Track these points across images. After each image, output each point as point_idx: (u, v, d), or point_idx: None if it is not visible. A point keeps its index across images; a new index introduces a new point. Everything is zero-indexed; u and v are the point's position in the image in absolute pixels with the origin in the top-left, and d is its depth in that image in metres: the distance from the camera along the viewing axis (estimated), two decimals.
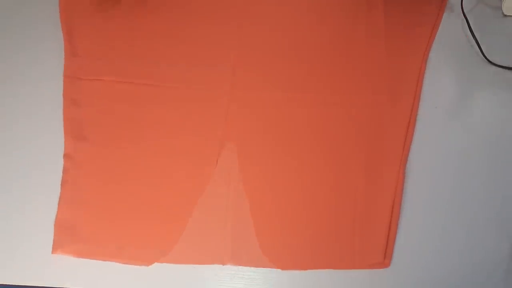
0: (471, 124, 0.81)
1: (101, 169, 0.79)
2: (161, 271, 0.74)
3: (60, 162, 0.79)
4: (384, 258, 0.72)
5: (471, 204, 0.76)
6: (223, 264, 0.74)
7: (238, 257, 0.74)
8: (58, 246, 0.75)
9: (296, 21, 0.88)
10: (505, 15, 0.87)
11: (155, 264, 0.74)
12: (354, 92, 0.82)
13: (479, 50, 0.84)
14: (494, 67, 0.84)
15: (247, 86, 0.83)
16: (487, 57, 0.84)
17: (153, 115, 0.82)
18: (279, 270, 0.74)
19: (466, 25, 0.85)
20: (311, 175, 0.78)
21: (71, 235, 0.75)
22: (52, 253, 0.75)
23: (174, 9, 0.87)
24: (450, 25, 0.87)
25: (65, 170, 0.79)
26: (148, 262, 0.74)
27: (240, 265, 0.74)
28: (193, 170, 0.79)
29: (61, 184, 0.78)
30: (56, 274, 0.74)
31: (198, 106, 0.82)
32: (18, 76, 0.86)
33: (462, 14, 0.86)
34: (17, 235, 0.76)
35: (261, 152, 0.80)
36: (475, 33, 0.85)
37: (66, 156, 0.80)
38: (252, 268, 0.74)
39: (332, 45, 0.86)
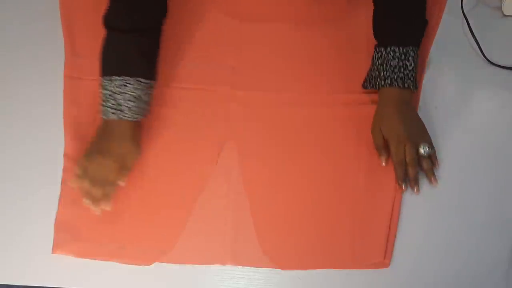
0: (471, 124, 0.81)
1: None
2: (161, 271, 0.74)
3: (60, 161, 0.79)
4: (384, 258, 0.72)
5: (471, 204, 0.76)
6: (224, 264, 0.74)
7: (239, 257, 0.74)
8: (58, 246, 0.74)
9: (296, 22, 0.88)
10: (505, 15, 0.87)
11: (155, 264, 0.74)
12: (354, 92, 0.82)
13: (479, 50, 0.84)
14: (494, 67, 0.84)
15: (247, 86, 0.84)
16: (487, 57, 0.84)
17: (153, 115, 0.82)
18: (279, 270, 0.73)
19: (466, 25, 0.86)
20: (311, 175, 0.78)
21: (71, 235, 0.75)
22: (52, 253, 0.74)
23: (175, 10, 0.87)
24: (450, 25, 0.87)
25: (65, 170, 0.79)
26: (148, 262, 0.74)
27: (240, 265, 0.74)
28: (193, 170, 0.79)
29: (61, 184, 0.78)
30: (56, 274, 0.74)
31: (198, 106, 0.82)
32: (19, 76, 0.86)
33: (462, 14, 0.86)
34: (17, 235, 0.76)
35: (261, 151, 0.80)
36: (475, 33, 0.85)
37: (66, 155, 0.80)
38: (253, 268, 0.74)
39: (332, 46, 0.86)
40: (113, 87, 0.73)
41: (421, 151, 0.74)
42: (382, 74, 0.76)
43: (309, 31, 0.87)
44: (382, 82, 0.76)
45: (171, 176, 0.78)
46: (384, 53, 0.77)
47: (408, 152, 0.75)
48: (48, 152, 0.80)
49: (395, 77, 0.75)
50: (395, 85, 0.75)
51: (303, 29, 0.87)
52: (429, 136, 0.77)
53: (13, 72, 0.86)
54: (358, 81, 0.82)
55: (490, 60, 0.84)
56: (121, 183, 0.74)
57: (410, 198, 0.76)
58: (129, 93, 0.72)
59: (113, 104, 0.72)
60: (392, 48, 0.76)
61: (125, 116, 0.73)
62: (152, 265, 0.74)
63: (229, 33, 0.87)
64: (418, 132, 0.76)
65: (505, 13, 0.87)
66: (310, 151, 0.79)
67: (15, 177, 0.79)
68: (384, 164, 0.75)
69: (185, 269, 0.74)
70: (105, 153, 0.73)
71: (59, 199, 0.77)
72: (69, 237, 0.75)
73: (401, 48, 0.76)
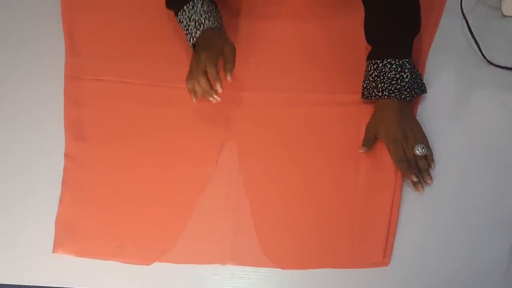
0: (470, 124, 0.81)
1: (101, 169, 0.79)
2: (161, 270, 0.74)
3: (61, 161, 0.80)
4: (383, 257, 0.72)
5: (471, 204, 0.76)
6: (224, 263, 0.74)
7: (239, 256, 0.74)
8: (59, 245, 0.75)
9: (296, 23, 0.88)
10: (505, 16, 0.88)
11: (156, 264, 0.74)
12: (354, 92, 0.82)
13: (478, 50, 0.84)
14: (493, 67, 0.84)
15: (247, 86, 0.84)
16: (487, 57, 0.84)
17: (153, 115, 0.82)
18: (279, 269, 0.73)
19: (466, 25, 0.86)
20: (311, 174, 0.78)
21: (72, 235, 0.75)
22: (53, 252, 0.75)
23: None
24: (450, 26, 0.87)
25: (65, 170, 0.79)
26: (148, 261, 0.74)
27: (240, 265, 0.74)
28: (193, 170, 0.79)
29: (61, 184, 0.78)
30: (56, 273, 0.74)
31: (198, 106, 0.82)
32: (20, 76, 0.86)
33: (461, 15, 0.87)
34: (18, 234, 0.76)
35: (261, 151, 0.80)
36: (474, 34, 0.85)
37: (67, 155, 0.80)
38: (253, 267, 0.74)
39: (332, 47, 0.86)
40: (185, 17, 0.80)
41: (416, 151, 0.76)
42: (379, 86, 0.77)
43: (309, 32, 0.88)
44: (380, 93, 0.77)
45: (171, 176, 0.79)
46: (380, 65, 0.78)
47: (407, 153, 0.76)
48: (48, 152, 0.80)
49: (392, 88, 0.76)
50: (392, 97, 0.77)
51: (303, 30, 0.88)
52: (426, 138, 0.78)
53: (13, 71, 0.86)
54: (357, 81, 0.82)
55: (489, 60, 0.84)
56: (229, 78, 0.74)
57: (409, 198, 0.76)
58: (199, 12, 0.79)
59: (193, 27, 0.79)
60: (389, 60, 0.77)
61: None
62: (152, 264, 0.74)
63: (230, 34, 0.87)
64: (414, 134, 0.77)
65: (504, 13, 0.87)
66: (310, 151, 0.80)
67: (16, 176, 0.80)
68: (361, 151, 0.77)
69: (186, 269, 0.74)
70: (203, 48, 0.76)
71: (59, 199, 0.77)
72: (69, 236, 0.75)
73: (397, 61, 0.77)
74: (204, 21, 0.78)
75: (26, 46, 0.88)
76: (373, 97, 0.78)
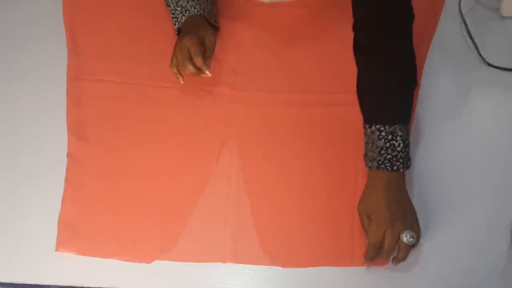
0: (469, 125, 0.81)
1: (103, 168, 0.80)
2: (162, 268, 0.74)
3: (64, 161, 0.80)
4: None
5: (470, 204, 0.76)
6: (224, 262, 0.74)
7: (239, 255, 0.74)
8: (61, 243, 0.75)
9: (296, 24, 0.89)
10: (503, 17, 0.88)
11: (156, 262, 0.74)
12: (353, 92, 0.82)
13: (476, 51, 0.85)
14: (491, 68, 0.84)
15: (247, 86, 0.84)
16: (485, 58, 0.84)
17: (155, 115, 0.83)
18: (279, 267, 0.74)
19: (464, 26, 0.86)
20: (311, 174, 0.79)
21: (74, 233, 0.76)
22: (55, 250, 0.75)
23: None
24: (448, 27, 0.88)
25: (68, 169, 0.80)
26: (149, 259, 0.74)
27: (240, 263, 0.74)
28: (194, 169, 0.79)
29: (64, 183, 0.79)
30: (59, 271, 0.74)
31: (199, 106, 0.83)
32: (22, 76, 0.87)
33: (460, 16, 0.87)
34: (21, 233, 0.77)
35: (261, 151, 0.80)
36: (472, 35, 0.85)
37: (69, 155, 0.81)
38: (253, 266, 0.74)
39: (331, 47, 0.87)
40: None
41: (404, 239, 0.68)
42: (369, 154, 0.70)
43: (309, 33, 0.88)
44: (370, 163, 0.70)
45: (172, 176, 0.79)
46: (368, 132, 0.70)
47: (388, 240, 0.68)
48: (51, 151, 0.81)
49: (382, 159, 0.69)
50: (382, 168, 0.69)
51: (303, 31, 0.88)
52: (418, 222, 0.70)
53: (16, 72, 0.87)
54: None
55: (488, 61, 0.84)
56: (207, 72, 0.78)
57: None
58: None
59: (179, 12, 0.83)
60: (377, 127, 0.69)
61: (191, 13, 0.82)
62: (153, 263, 0.74)
63: (230, 36, 0.88)
64: (404, 217, 0.69)
65: (503, 14, 0.87)
66: (310, 151, 0.80)
67: (19, 176, 0.80)
68: (366, 265, 0.71)
69: (186, 267, 0.74)
70: (185, 34, 0.80)
71: (62, 198, 0.78)
72: (72, 235, 0.76)
73: (387, 127, 0.68)
74: (190, 8, 0.82)
75: (29, 47, 0.89)
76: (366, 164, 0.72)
